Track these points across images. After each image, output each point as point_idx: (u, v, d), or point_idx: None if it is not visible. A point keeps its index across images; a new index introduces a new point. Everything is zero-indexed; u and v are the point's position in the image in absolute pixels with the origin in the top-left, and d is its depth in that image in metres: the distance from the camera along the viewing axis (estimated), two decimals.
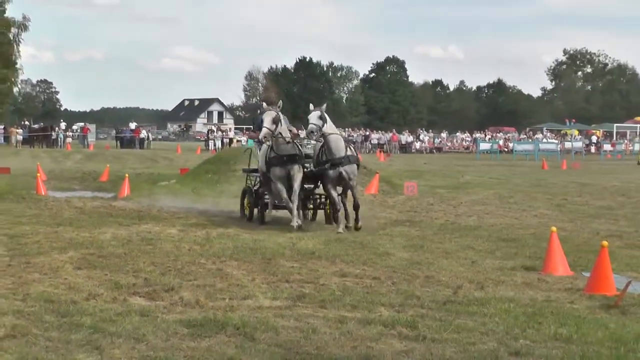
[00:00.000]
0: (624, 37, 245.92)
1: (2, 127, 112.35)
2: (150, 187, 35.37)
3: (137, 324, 11.24)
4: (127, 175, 34.72)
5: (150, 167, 48.34)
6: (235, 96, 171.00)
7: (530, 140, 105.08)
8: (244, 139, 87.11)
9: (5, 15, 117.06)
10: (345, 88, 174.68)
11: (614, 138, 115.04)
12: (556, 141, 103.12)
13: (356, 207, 22.36)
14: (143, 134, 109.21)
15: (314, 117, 21.40)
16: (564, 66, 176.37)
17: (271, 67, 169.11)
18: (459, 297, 13.36)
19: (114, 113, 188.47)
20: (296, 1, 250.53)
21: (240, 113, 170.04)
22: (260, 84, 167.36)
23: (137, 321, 11.42)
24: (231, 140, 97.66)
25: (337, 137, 22.28)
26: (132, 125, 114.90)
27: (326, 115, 21.78)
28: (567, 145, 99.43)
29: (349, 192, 23.06)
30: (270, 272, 15.30)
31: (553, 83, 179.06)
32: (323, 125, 21.46)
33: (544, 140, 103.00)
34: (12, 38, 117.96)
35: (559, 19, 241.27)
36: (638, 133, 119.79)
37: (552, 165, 60.06)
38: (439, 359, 9.91)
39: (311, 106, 22.09)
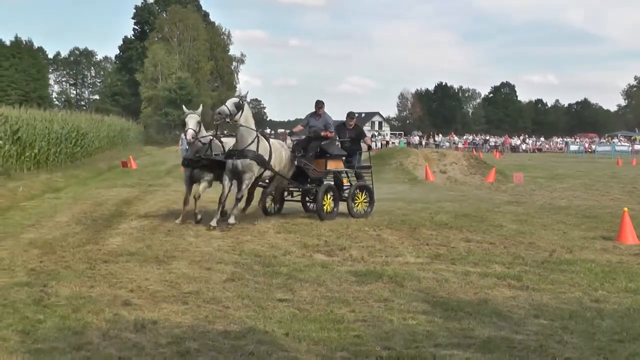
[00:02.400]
0: None
1: (227, 132, 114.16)
2: None
3: (319, 273, 11.37)
4: None
5: None
6: (390, 110, 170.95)
7: (608, 143, 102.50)
8: (397, 141, 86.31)
9: (229, 53, 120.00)
10: (470, 105, 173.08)
11: None
12: (628, 144, 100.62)
13: (237, 199, 17.01)
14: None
15: (230, 102, 16.89)
16: (635, 89, 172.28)
17: (417, 89, 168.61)
18: (553, 258, 13.15)
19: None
20: (437, 42, 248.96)
21: (394, 123, 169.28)
22: (409, 102, 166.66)
23: (319, 271, 11.54)
24: (387, 142, 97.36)
25: (246, 130, 16.90)
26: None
27: (246, 106, 17.13)
28: (637, 147, 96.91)
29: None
30: (415, 238, 15.24)
31: (626, 101, 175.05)
32: (237, 114, 16.65)
33: (619, 143, 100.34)
34: (232, 69, 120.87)
35: (631, 52, 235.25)
36: None
37: (624, 162, 58.43)
38: (538, 303, 9.77)
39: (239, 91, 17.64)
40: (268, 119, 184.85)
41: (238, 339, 7.75)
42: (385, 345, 7.63)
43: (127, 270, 11.35)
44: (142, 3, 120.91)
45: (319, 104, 19.34)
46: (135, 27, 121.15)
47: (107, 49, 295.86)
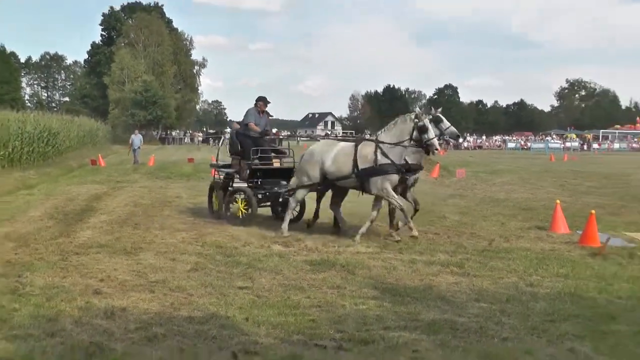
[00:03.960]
0: (608, 70, 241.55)
1: (190, 132, 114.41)
2: None
3: (277, 262, 11.41)
4: None
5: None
6: (342, 111, 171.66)
7: (542, 141, 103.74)
8: None
9: (191, 57, 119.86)
10: (416, 105, 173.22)
11: (600, 139, 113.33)
12: (560, 142, 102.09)
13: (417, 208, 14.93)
14: (281, 135, 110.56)
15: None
16: (566, 90, 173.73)
17: (367, 91, 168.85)
18: (492, 247, 13.30)
19: None
20: (386, 46, 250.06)
21: (346, 122, 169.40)
22: (359, 103, 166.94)
23: (277, 260, 11.58)
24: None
25: None
26: (274, 130, 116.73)
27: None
28: (568, 144, 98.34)
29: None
30: None
31: (558, 102, 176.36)
32: None
33: (552, 141, 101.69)
34: (195, 72, 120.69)
35: (563, 58, 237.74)
36: (616, 136, 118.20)
37: (557, 158, 59.08)
38: (478, 288, 9.88)
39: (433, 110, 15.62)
40: (228, 119, 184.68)
41: (202, 324, 7.76)
42: (339, 329, 7.68)
43: (97, 261, 11.31)
44: (109, 10, 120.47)
45: (265, 101, 16.82)
46: (103, 33, 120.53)
47: (77, 53, 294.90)
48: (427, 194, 24.27)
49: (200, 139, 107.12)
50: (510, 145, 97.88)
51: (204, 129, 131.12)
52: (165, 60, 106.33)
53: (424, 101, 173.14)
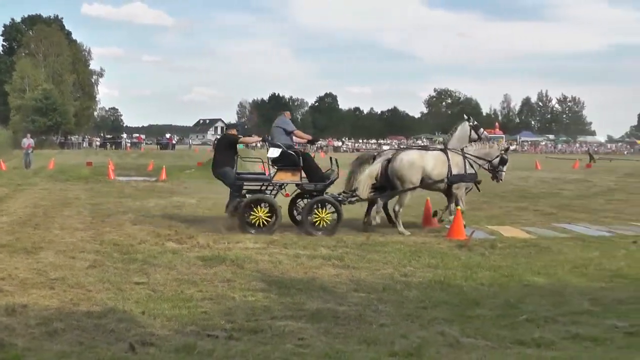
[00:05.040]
0: (470, 80, 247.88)
1: (88, 137, 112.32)
2: (178, 174, 35.22)
3: (171, 259, 11.27)
4: (164, 166, 34.54)
5: (178, 162, 48.02)
6: (231, 117, 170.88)
7: (413, 144, 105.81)
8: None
9: (90, 67, 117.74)
10: (300, 112, 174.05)
11: None
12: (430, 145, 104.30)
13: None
14: (174, 140, 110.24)
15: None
16: (434, 99, 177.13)
17: (254, 99, 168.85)
18: (370, 241, 13.48)
19: (156, 127, 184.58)
20: (272, 57, 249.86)
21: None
22: (247, 110, 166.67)
23: (171, 257, 11.44)
24: None
25: None
26: (167, 135, 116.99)
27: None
28: None
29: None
30: None
31: (427, 109, 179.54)
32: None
33: (422, 144, 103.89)
34: (93, 81, 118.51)
35: (431, 69, 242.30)
36: None
37: None
38: (357, 279, 9.99)
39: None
40: (125, 125, 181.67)
41: (100, 318, 7.59)
42: (229, 319, 7.64)
43: None
44: (10, 22, 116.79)
45: (291, 111, 16.60)
46: (4, 43, 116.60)
47: None
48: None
49: (98, 143, 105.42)
50: (385, 147, 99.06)
51: (102, 134, 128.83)
52: (65, 69, 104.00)
53: (306, 108, 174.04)
